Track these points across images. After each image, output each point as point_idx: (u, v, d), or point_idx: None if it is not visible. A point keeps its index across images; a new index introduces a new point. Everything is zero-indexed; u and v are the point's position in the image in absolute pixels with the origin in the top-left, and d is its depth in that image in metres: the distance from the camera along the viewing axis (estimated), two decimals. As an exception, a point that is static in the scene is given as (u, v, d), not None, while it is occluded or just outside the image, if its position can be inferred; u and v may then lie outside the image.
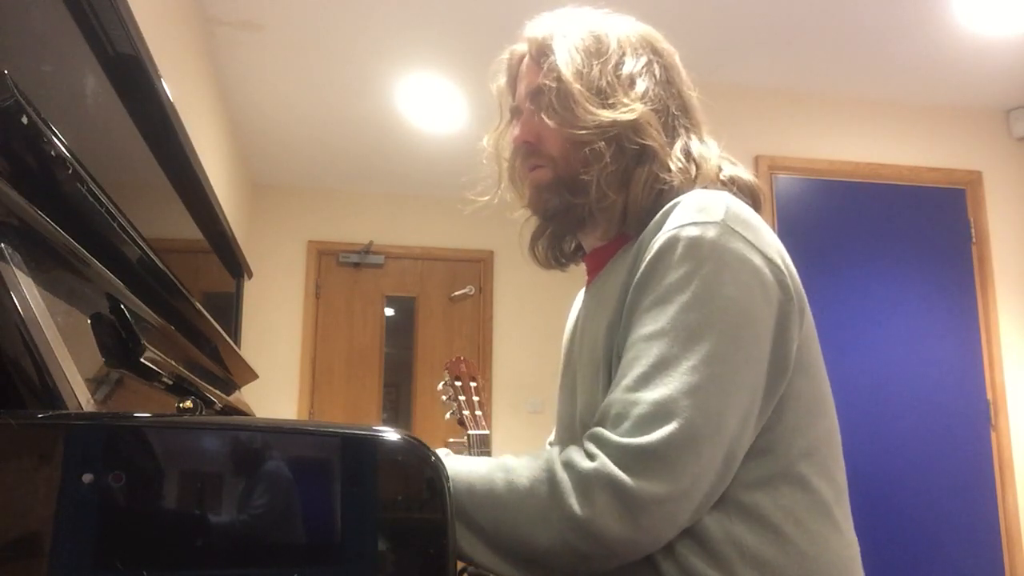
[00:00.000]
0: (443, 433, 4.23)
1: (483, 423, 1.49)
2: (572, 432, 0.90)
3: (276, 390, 4.25)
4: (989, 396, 3.25)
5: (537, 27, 0.94)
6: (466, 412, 1.50)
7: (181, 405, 0.94)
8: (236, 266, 1.91)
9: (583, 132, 0.86)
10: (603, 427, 0.73)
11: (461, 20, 2.92)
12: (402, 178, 4.42)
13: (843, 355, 3.19)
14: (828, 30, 2.98)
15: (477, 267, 4.69)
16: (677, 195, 0.84)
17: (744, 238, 0.78)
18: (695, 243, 0.76)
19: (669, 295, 0.75)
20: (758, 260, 0.78)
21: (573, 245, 1.03)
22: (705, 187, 0.87)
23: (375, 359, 4.53)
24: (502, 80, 1.00)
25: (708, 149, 0.91)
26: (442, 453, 0.81)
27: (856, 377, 3.18)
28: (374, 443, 0.60)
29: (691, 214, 0.78)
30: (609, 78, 0.88)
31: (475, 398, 1.53)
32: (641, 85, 0.88)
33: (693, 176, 0.87)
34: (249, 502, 0.56)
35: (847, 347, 3.20)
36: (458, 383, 1.54)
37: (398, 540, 0.58)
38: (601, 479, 0.69)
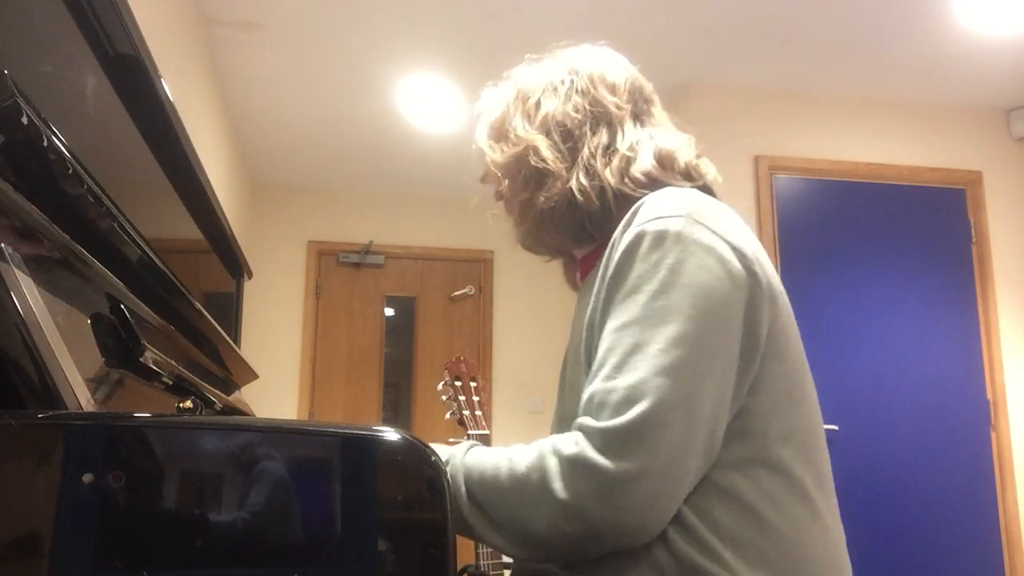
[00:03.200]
0: (443, 433, 4.22)
1: (483, 423, 1.49)
2: (564, 425, 0.93)
3: (276, 390, 4.25)
4: (989, 396, 3.25)
5: (477, 103, 1.07)
6: (466, 412, 1.50)
7: (181, 405, 0.94)
8: (236, 266, 1.91)
9: (494, 177, 1.00)
10: (587, 416, 0.76)
11: (461, 20, 2.92)
12: (402, 178, 4.42)
13: (843, 355, 3.19)
14: (828, 30, 2.98)
15: (477, 267, 4.69)
16: (622, 195, 0.90)
17: (708, 227, 0.81)
18: (660, 235, 0.80)
19: (638, 286, 0.78)
20: (723, 246, 0.80)
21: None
22: (670, 184, 0.91)
23: (375, 359, 4.53)
24: None
25: (630, 135, 0.94)
26: (467, 445, 0.86)
27: (856, 377, 3.18)
28: (374, 443, 0.60)
29: (656, 210, 0.82)
30: (516, 120, 0.98)
31: (475, 398, 1.52)
32: (547, 107, 0.96)
33: (621, 168, 0.91)
34: (249, 502, 0.56)
35: (847, 347, 3.20)
36: (458, 383, 1.54)
37: (398, 540, 0.58)
38: (580, 462, 0.73)
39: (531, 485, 0.75)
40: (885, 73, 3.27)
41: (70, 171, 0.74)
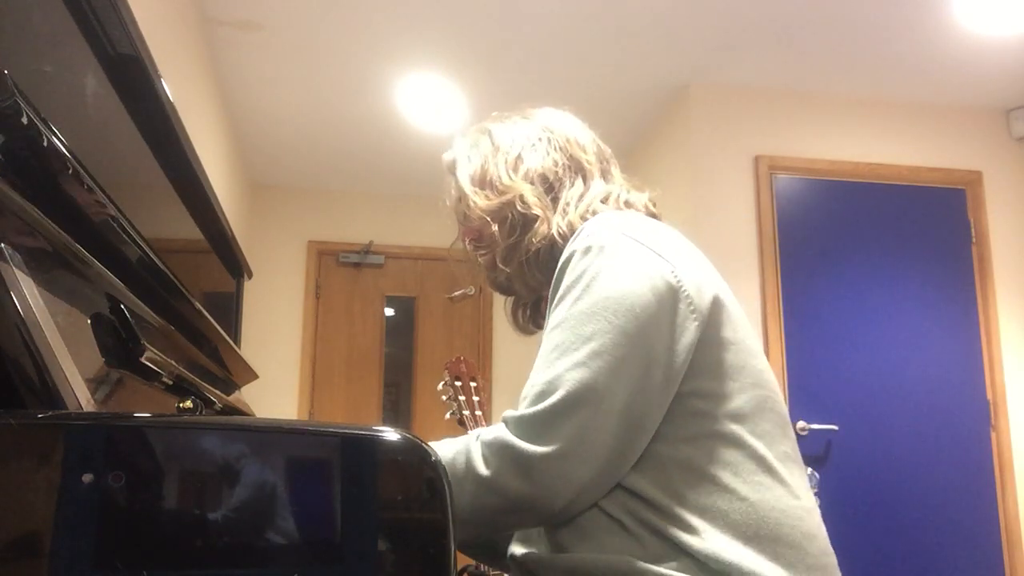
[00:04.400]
0: (443, 433, 4.21)
1: (483, 423, 1.49)
2: None
3: (276, 390, 4.24)
4: (989, 396, 3.25)
5: (449, 152, 1.19)
6: (466, 412, 1.50)
7: (181, 405, 0.94)
8: (236, 266, 1.91)
9: (479, 222, 1.07)
10: (511, 409, 0.87)
11: (461, 20, 2.91)
12: (402, 178, 4.42)
13: (843, 355, 3.19)
14: (828, 30, 2.98)
15: (477, 267, 4.69)
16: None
17: (633, 238, 0.90)
18: (587, 249, 0.90)
19: (564, 295, 0.89)
20: (645, 253, 0.89)
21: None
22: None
23: (375, 359, 4.53)
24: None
25: (599, 188, 1.06)
26: None
27: (856, 377, 3.18)
28: (374, 443, 0.60)
29: (589, 230, 0.93)
30: (500, 170, 1.07)
31: (475, 398, 1.52)
32: (530, 161, 1.06)
33: (583, 213, 1.02)
34: (249, 502, 0.56)
35: (847, 347, 3.20)
36: (458, 383, 1.54)
37: (398, 540, 0.58)
38: (498, 445, 0.83)
39: (456, 467, 0.85)
40: (885, 73, 3.27)
41: (70, 171, 0.74)
